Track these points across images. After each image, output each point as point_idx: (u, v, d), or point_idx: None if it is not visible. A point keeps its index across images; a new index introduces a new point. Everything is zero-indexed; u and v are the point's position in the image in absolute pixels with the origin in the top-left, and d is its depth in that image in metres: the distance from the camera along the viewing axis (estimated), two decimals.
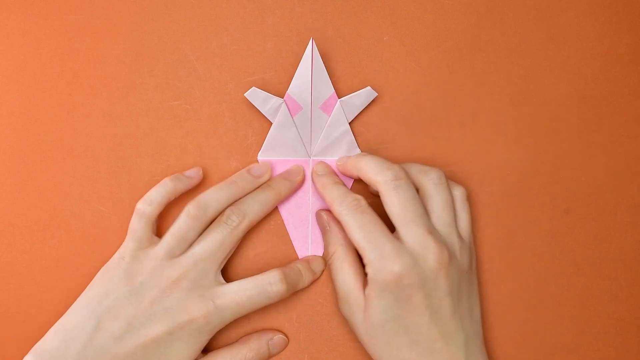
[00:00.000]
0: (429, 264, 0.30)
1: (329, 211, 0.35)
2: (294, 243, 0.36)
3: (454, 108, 0.37)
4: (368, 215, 0.31)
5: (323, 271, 0.36)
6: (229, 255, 0.33)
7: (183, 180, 0.34)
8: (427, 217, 0.31)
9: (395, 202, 0.31)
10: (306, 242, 0.36)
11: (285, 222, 0.36)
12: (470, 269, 0.33)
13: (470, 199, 0.36)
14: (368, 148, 0.36)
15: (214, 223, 0.33)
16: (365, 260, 0.31)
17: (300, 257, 0.36)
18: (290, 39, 0.37)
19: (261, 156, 0.36)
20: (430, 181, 0.32)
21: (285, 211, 0.36)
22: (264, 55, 0.36)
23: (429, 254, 0.30)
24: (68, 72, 0.37)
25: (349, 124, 0.36)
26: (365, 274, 0.32)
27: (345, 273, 0.33)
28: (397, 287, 0.30)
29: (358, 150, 0.36)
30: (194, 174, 0.35)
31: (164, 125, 0.36)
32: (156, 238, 0.33)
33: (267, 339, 0.35)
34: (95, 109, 0.36)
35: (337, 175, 0.35)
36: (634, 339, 0.36)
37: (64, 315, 0.32)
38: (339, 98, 0.35)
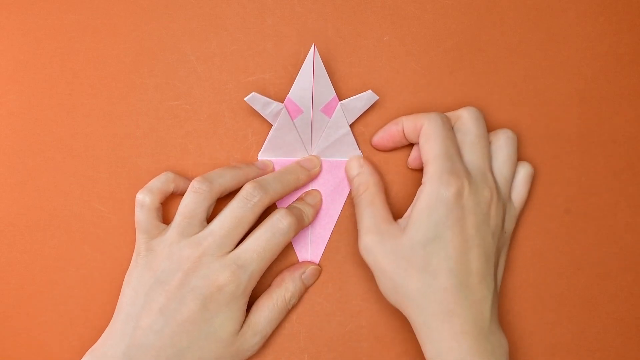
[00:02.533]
0: (485, 195, 0.31)
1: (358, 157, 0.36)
2: (293, 244, 0.36)
3: (454, 108, 0.37)
4: (452, 133, 0.32)
5: (321, 201, 0.36)
6: (246, 232, 0.33)
7: (183, 178, 0.35)
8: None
9: (473, 129, 0.32)
10: (306, 242, 0.36)
11: None
12: (509, 235, 0.34)
13: None
14: (368, 148, 0.36)
15: (233, 199, 0.33)
16: (432, 170, 0.31)
17: (300, 258, 0.36)
18: (290, 39, 0.37)
19: (261, 156, 0.36)
20: (505, 135, 0.34)
21: None
22: (264, 55, 0.36)
23: (486, 186, 0.31)
24: (68, 72, 0.37)
25: (350, 125, 0.36)
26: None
27: (377, 205, 0.33)
28: (455, 204, 0.30)
29: (358, 152, 0.36)
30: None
31: (164, 125, 0.36)
32: (164, 225, 0.33)
33: (300, 274, 0.35)
34: (95, 109, 0.36)
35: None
36: (634, 339, 0.36)
37: (109, 325, 0.33)
38: (339, 100, 0.35)
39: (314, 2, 0.37)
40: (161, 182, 0.34)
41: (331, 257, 0.36)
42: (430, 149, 0.31)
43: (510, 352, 0.36)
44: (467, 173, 0.31)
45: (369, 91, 0.34)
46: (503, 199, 0.33)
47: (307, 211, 0.35)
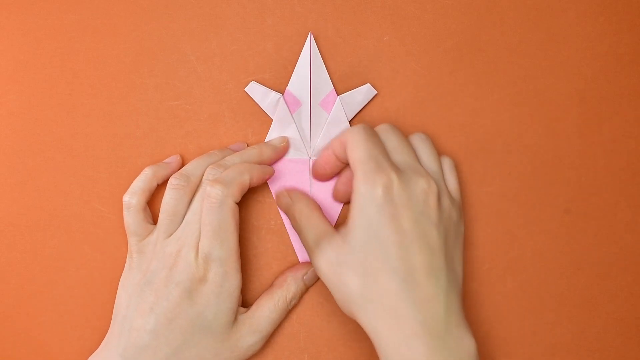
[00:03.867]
0: (420, 185, 0.30)
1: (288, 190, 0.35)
2: (293, 244, 0.36)
3: (454, 108, 0.37)
4: (376, 137, 0.31)
5: (270, 149, 0.35)
6: None
7: (162, 166, 0.35)
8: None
9: (393, 135, 0.32)
10: None
11: (285, 222, 0.36)
12: (459, 225, 0.32)
13: (470, 199, 0.36)
14: None
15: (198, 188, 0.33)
16: (358, 173, 0.30)
17: (300, 258, 0.36)
18: (290, 39, 0.37)
19: None
20: (419, 136, 0.34)
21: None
22: (264, 55, 0.36)
23: (420, 177, 0.30)
24: (68, 72, 0.37)
25: (349, 122, 0.36)
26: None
27: (314, 222, 0.32)
28: (385, 201, 0.29)
29: None
30: (172, 159, 0.35)
31: (164, 125, 0.36)
32: (152, 226, 0.34)
33: (302, 275, 0.35)
34: (95, 109, 0.36)
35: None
36: (634, 339, 0.36)
37: (108, 330, 0.33)
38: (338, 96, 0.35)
39: (314, 2, 0.37)
40: (142, 182, 0.34)
41: None
42: (354, 154, 0.30)
43: (511, 352, 0.36)
44: (395, 168, 0.30)
45: (367, 85, 0.34)
46: (444, 189, 0.32)
47: (240, 168, 0.32)
